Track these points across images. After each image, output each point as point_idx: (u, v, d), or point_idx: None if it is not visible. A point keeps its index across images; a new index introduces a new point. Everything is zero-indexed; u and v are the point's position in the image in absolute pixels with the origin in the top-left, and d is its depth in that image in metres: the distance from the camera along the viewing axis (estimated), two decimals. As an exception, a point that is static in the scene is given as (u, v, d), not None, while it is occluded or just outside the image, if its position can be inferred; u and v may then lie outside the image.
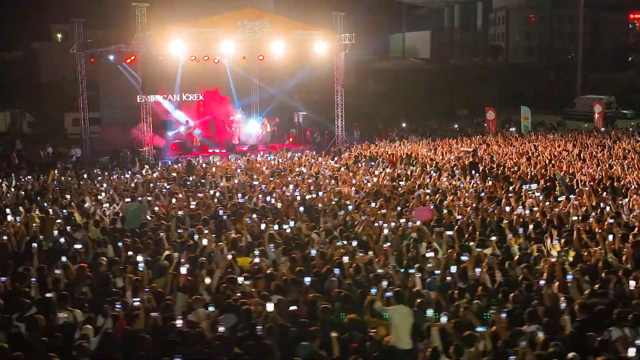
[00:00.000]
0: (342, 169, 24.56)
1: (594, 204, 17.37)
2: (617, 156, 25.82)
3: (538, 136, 34.27)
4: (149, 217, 16.47)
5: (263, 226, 15.15)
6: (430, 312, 9.43)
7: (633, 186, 19.61)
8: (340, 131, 36.05)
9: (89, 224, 15.85)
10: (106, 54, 34.46)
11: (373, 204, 17.11)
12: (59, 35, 73.70)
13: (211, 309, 10.31)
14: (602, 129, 38.48)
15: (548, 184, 21.68)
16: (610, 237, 13.20)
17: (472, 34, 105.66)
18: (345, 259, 12.05)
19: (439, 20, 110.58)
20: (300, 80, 36.97)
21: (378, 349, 9.15)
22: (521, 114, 40.03)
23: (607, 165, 23.66)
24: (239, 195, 18.76)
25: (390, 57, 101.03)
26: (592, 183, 20.63)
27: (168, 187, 20.86)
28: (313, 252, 12.76)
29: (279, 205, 17.41)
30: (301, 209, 16.51)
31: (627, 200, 17.50)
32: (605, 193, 19.22)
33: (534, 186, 21.35)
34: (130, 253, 13.32)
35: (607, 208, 16.44)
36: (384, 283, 10.86)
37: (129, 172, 24.91)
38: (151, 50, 29.79)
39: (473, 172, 22.87)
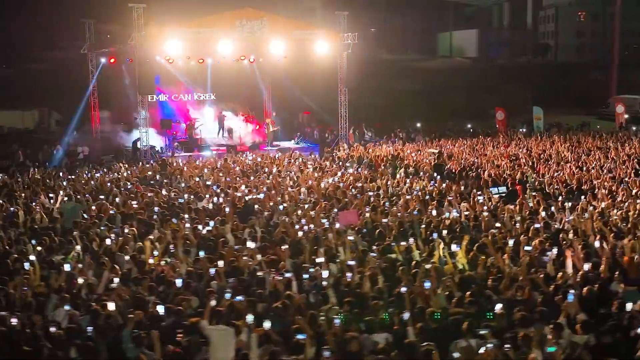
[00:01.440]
0: (310, 169, 24.31)
1: (541, 208, 16.86)
2: (607, 159, 24.88)
3: (543, 137, 33.28)
4: (85, 216, 16.72)
5: (187, 226, 15.23)
6: (250, 318, 9.24)
7: (596, 190, 18.96)
8: (344, 131, 35.89)
9: (27, 222, 16.27)
10: (116, 54, 35.05)
11: (306, 206, 16.94)
12: (108, 37, 75.39)
13: (67, 307, 10.41)
14: (618, 130, 37.10)
15: (518, 187, 21.13)
16: (511, 242, 12.77)
17: (521, 33, 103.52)
18: (221, 262, 11.97)
19: (488, 19, 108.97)
20: (307, 80, 36.81)
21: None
22: (533, 114, 39.00)
23: (586, 169, 22.84)
24: (184, 195, 18.88)
25: (437, 56, 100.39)
26: (557, 187, 20.02)
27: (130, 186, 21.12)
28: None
29: (210, 206, 17.38)
30: (227, 209, 16.44)
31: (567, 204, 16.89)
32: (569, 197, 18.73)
33: (502, 189, 20.91)
34: (40, 249, 13.59)
35: (543, 213, 15.85)
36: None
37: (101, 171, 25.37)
38: (148, 51, 30.23)
39: (435, 174, 22.42)
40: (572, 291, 10.24)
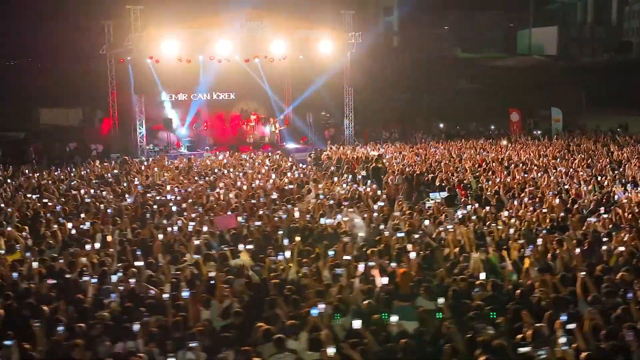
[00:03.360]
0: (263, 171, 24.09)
1: (444, 215, 16.25)
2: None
3: (551, 141, 31.77)
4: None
5: (70, 225, 15.53)
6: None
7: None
8: (350, 131, 35.51)
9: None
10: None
11: (200, 209, 16.91)
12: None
13: None
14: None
15: (463, 192, 20.43)
16: (332, 253, 12.33)
17: (605, 29, 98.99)
18: (35, 264, 12.18)
19: (572, 15, 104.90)
20: (315, 80, 36.55)
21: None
22: (552, 115, 37.28)
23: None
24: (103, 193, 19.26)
25: (516, 54, 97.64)
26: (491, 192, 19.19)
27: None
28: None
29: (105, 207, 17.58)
30: (109, 210, 16.64)
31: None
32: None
33: (443, 194, 20.28)
34: None
35: (426, 222, 15.17)
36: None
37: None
38: (144, 52, 30.92)
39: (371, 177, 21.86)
40: (321, 305, 9.79)
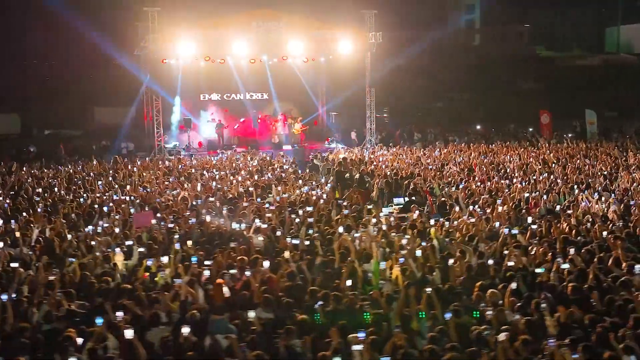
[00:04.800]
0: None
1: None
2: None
3: (571, 144, 30.13)
4: None
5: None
6: None
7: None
8: (371, 133, 34.90)
9: None
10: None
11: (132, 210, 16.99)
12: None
13: None
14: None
15: (430, 197, 19.70)
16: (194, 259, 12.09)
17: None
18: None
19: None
20: (337, 80, 36.05)
21: None
22: (586, 118, 35.31)
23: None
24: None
25: (604, 52, 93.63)
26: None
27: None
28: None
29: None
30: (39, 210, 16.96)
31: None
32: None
33: (406, 199, 19.70)
34: None
35: (340, 229, 14.60)
36: None
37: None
38: (161, 53, 31.45)
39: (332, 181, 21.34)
40: (119, 313, 9.63)
